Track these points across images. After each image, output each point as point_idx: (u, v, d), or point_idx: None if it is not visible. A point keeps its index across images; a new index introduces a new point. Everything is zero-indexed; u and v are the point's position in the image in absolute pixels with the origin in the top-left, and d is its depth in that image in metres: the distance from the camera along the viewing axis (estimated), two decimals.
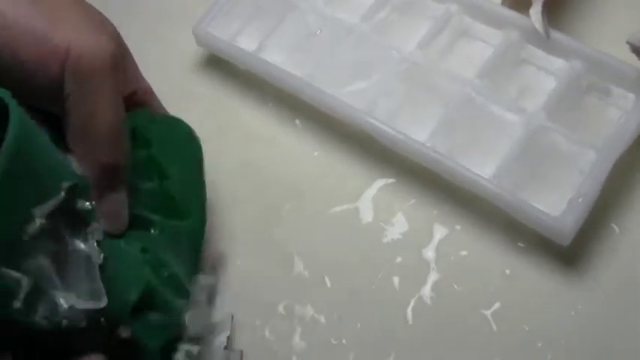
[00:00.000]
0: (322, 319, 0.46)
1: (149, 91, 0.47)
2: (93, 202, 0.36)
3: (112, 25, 0.42)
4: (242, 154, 0.52)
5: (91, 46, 0.38)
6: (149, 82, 0.54)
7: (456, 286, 0.46)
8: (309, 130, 0.52)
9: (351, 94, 0.49)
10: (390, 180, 0.49)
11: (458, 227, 0.47)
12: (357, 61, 0.51)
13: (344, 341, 0.45)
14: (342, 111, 0.48)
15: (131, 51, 0.55)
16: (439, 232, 0.47)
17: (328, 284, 0.47)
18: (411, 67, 0.50)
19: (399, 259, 0.47)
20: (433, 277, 0.46)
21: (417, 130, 0.47)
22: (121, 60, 0.41)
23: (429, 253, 0.47)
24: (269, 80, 0.51)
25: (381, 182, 0.49)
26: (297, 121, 0.52)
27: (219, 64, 0.54)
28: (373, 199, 0.49)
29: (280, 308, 0.46)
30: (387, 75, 0.50)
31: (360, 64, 0.51)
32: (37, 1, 0.39)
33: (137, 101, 0.45)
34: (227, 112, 0.53)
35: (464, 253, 0.46)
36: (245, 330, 0.46)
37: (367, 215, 0.48)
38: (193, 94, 0.54)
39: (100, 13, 0.42)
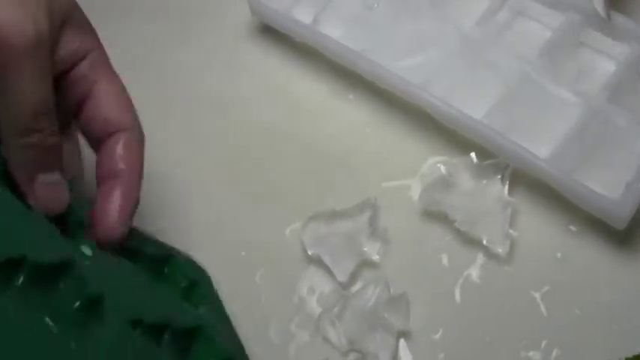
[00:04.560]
0: None
1: (101, 59, 0.41)
2: None
3: None
4: (293, 125, 0.51)
5: (11, 21, 0.35)
6: (203, 50, 0.55)
7: (505, 267, 0.45)
8: (363, 105, 0.51)
9: (406, 69, 0.49)
10: (444, 158, 0.49)
11: (509, 209, 0.46)
12: (413, 36, 0.50)
13: None
14: (398, 86, 0.48)
15: (185, 19, 0.56)
16: None
17: (376, 257, 0.46)
18: (468, 44, 0.49)
19: (448, 238, 0.47)
20: (482, 256, 0.46)
21: (473, 108, 0.47)
22: (51, 33, 0.37)
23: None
24: (324, 53, 0.51)
25: (434, 160, 0.49)
26: (351, 96, 0.52)
27: (274, 35, 0.54)
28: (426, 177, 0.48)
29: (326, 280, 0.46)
30: (444, 51, 0.49)
31: (417, 39, 0.50)
32: None
33: (86, 68, 0.40)
34: (280, 83, 0.53)
35: (515, 233, 0.46)
36: (290, 301, 0.46)
37: (418, 192, 0.48)
38: (246, 64, 0.54)
39: None
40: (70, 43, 0.39)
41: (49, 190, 0.38)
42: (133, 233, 0.41)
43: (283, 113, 0.52)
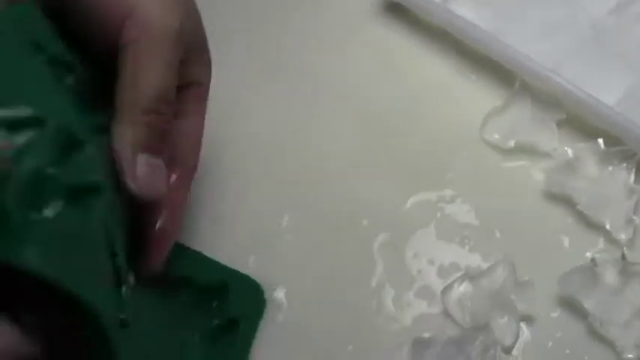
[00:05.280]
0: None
1: (203, 95, 0.43)
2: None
3: (195, 9, 0.42)
4: (417, 101, 0.52)
5: (159, 14, 0.39)
6: (327, 26, 0.55)
7: (625, 249, 0.46)
8: (486, 85, 0.52)
9: (536, 53, 0.49)
10: (569, 142, 0.49)
11: (634, 196, 0.47)
12: (543, 21, 0.51)
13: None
14: (529, 69, 0.49)
15: None
16: None
17: (498, 235, 0.47)
18: (600, 32, 0.50)
19: (570, 220, 0.47)
20: (603, 241, 0.47)
21: (603, 95, 0.48)
22: (185, 41, 0.40)
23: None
24: (453, 33, 0.52)
25: (559, 143, 0.49)
26: (474, 77, 0.52)
27: (397, 12, 0.55)
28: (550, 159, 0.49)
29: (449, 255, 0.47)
30: (575, 37, 0.50)
31: (547, 25, 0.51)
32: None
33: (187, 97, 0.42)
34: (403, 60, 0.54)
35: (638, 220, 0.46)
36: (408, 272, 0.47)
37: (540, 174, 0.48)
38: (371, 40, 0.55)
39: None
40: (194, 61, 0.41)
41: (150, 171, 0.38)
42: (186, 256, 0.42)
43: (404, 88, 0.53)
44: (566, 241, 0.47)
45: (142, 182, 0.38)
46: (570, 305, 0.45)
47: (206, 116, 0.44)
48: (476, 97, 0.52)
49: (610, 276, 0.44)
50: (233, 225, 0.49)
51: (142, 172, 0.38)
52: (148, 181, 0.38)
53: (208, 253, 0.47)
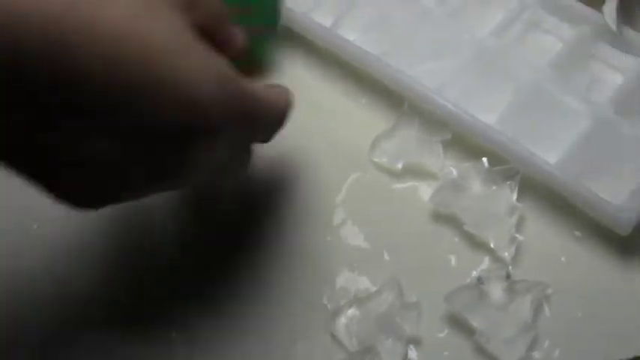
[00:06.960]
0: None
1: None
2: None
3: None
4: (303, 125, 0.52)
5: None
6: None
7: (510, 268, 0.46)
8: (376, 108, 0.53)
9: (421, 75, 0.50)
10: (455, 162, 0.50)
11: (516, 214, 0.48)
12: (429, 44, 0.52)
13: None
14: (413, 89, 0.50)
15: None
16: None
17: (387, 257, 0.48)
18: (482, 53, 0.51)
19: (457, 239, 0.48)
20: (488, 260, 0.47)
21: (485, 114, 0.48)
22: None
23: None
24: (341, 56, 0.53)
25: (445, 163, 0.50)
26: (364, 100, 0.53)
27: (288, 36, 0.55)
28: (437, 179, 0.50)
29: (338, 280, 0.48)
30: (458, 58, 0.51)
31: (433, 47, 0.52)
32: None
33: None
34: (292, 84, 0.53)
35: (521, 238, 0.47)
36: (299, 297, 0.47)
37: (428, 195, 0.49)
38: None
39: None
40: None
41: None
42: None
43: (295, 114, 0.52)
44: (453, 261, 0.47)
45: None
46: (457, 323, 0.45)
47: None
48: (366, 119, 0.52)
49: (496, 293, 0.45)
50: None
51: None
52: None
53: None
